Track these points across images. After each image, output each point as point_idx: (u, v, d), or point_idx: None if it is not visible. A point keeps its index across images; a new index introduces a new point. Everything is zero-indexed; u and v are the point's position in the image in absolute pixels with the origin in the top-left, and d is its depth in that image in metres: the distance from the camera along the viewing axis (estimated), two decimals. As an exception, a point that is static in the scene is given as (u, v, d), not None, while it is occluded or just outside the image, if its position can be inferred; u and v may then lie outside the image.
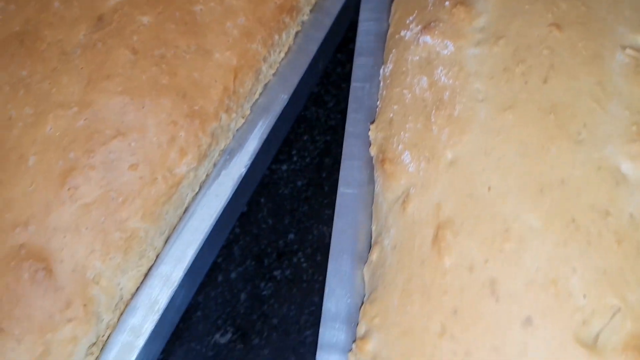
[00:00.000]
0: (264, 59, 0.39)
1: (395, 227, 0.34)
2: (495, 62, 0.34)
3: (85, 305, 0.33)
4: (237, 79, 0.38)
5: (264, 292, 0.47)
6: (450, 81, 0.35)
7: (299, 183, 0.51)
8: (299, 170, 0.51)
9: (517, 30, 0.35)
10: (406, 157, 0.35)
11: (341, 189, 0.39)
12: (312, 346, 0.45)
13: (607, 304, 0.27)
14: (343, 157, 0.40)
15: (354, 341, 0.34)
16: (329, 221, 0.49)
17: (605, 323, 0.27)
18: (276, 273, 0.48)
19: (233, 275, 0.48)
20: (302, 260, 0.48)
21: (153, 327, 0.35)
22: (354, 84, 0.42)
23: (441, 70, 0.35)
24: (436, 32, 0.37)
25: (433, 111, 0.35)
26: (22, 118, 0.34)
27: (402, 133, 0.36)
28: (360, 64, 0.42)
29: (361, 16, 0.44)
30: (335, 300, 0.36)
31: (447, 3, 0.38)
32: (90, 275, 0.33)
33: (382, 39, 0.43)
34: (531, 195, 0.30)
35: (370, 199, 0.39)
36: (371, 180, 0.39)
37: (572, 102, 0.31)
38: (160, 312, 0.35)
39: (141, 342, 0.35)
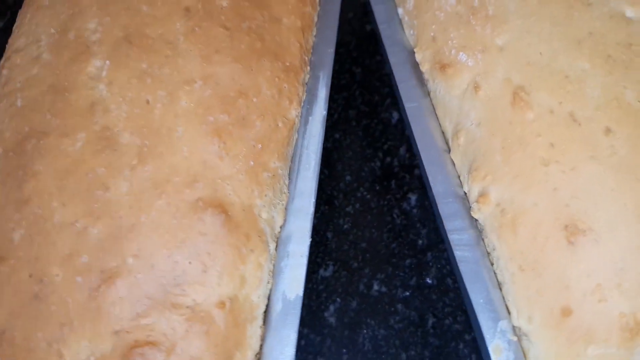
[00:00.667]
0: (314, 18, 0.48)
1: (473, 110, 0.43)
2: None
3: (259, 236, 0.39)
4: (304, 37, 0.46)
5: (345, 226, 0.55)
6: None
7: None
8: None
9: None
10: (462, 56, 0.44)
11: (407, 104, 0.47)
12: (401, 255, 0.53)
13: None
14: (397, 81, 0.49)
15: (473, 202, 0.42)
16: (374, 157, 0.58)
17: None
18: (348, 209, 0.56)
19: (315, 221, 0.54)
20: (365, 193, 0.56)
21: (307, 251, 0.42)
22: (381, 26, 0.51)
23: None
24: None
25: (470, 17, 0.44)
26: (158, 100, 0.39)
27: (449, 42, 0.45)
28: (378, 9, 0.51)
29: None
30: (441, 182, 0.44)
31: None
32: (256, 211, 0.40)
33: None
34: (573, 48, 0.40)
35: (431, 108, 0.48)
36: (426, 95, 0.48)
37: None
38: (309, 237, 0.42)
39: (304, 260, 0.41)
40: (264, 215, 0.40)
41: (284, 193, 0.42)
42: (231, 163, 0.39)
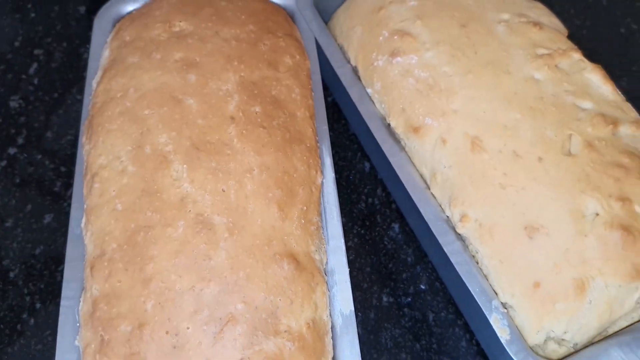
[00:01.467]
0: (314, 107, 0.64)
1: (444, 157, 0.60)
2: (445, 54, 0.63)
3: (319, 272, 0.54)
4: (313, 123, 0.62)
5: (350, 257, 0.71)
6: (427, 74, 0.63)
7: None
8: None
9: (444, 36, 0.64)
10: (428, 120, 0.61)
11: (390, 158, 0.64)
12: (398, 271, 0.70)
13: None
14: (379, 142, 0.65)
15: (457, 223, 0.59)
16: (359, 200, 0.75)
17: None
18: (349, 244, 0.72)
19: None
20: (359, 229, 0.73)
21: (349, 277, 0.57)
22: (357, 102, 0.68)
23: (418, 71, 0.63)
24: (401, 53, 0.65)
25: (429, 92, 0.62)
26: (231, 187, 0.54)
27: (416, 111, 0.62)
28: (352, 90, 0.69)
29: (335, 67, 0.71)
30: (429, 210, 0.61)
31: (395, 37, 0.66)
32: (312, 255, 0.55)
33: (354, 73, 0.70)
34: (506, 105, 0.59)
35: (408, 159, 0.65)
36: (402, 150, 0.65)
37: (494, 56, 0.62)
38: (347, 268, 0.58)
39: (349, 285, 0.57)
40: (317, 257, 0.55)
41: (323, 238, 0.58)
42: (290, 223, 0.54)
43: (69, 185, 0.69)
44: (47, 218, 0.71)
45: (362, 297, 0.68)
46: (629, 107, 0.61)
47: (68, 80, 0.82)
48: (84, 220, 0.56)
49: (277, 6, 0.72)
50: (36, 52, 0.85)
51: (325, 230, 0.59)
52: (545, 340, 0.55)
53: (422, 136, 0.62)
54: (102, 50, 0.67)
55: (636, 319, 0.56)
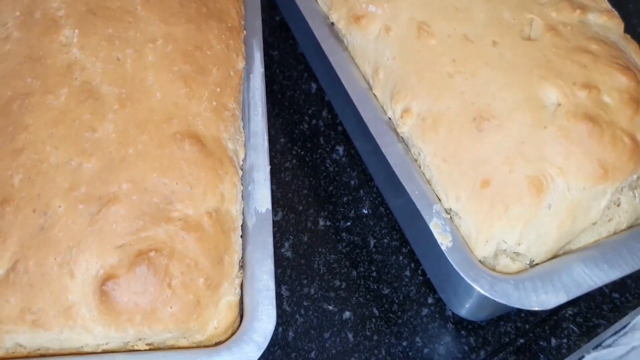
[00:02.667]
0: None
1: (387, 48, 0.53)
2: None
3: (230, 161, 0.47)
4: (239, 5, 0.54)
5: (287, 179, 0.63)
6: None
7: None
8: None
9: None
10: (371, 8, 0.54)
11: (330, 57, 0.57)
12: (338, 195, 0.62)
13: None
14: (319, 39, 0.58)
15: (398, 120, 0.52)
16: (301, 120, 0.67)
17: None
18: (287, 164, 0.64)
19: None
20: (299, 150, 0.65)
21: (269, 176, 0.49)
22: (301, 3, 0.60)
23: None
24: None
25: None
26: (128, 56, 0.46)
27: (359, 0, 0.56)
28: None
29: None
30: (368, 111, 0.53)
31: None
32: (224, 142, 0.47)
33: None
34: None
35: (350, 59, 0.57)
36: (344, 50, 0.58)
37: None
38: (268, 165, 0.50)
39: (268, 183, 0.49)
40: (230, 146, 0.47)
41: (241, 132, 0.50)
42: (198, 103, 0.46)
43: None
44: None
45: (296, 220, 0.60)
46: (600, -1, 0.54)
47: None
48: (-43, 93, 0.48)
49: None
50: None
51: (247, 126, 0.51)
52: (496, 254, 0.47)
53: (364, 26, 0.55)
54: None
55: (604, 235, 0.48)
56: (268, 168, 0.49)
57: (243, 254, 0.46)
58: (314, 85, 0.70)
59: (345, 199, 0.62)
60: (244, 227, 0.47)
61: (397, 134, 0.52)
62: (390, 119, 0.53)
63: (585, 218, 0.46)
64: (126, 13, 0.48)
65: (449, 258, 0.46)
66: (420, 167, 0.51)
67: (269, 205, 0.47)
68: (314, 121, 0.67)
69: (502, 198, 0.46)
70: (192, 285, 0.41)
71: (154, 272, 0.40)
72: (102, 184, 0.42)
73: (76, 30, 0.47)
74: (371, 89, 0.55)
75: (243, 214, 0.47)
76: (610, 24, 0.51)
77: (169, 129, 0.45)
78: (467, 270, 0.45)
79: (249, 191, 0.48)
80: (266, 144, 0.51)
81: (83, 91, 0.44)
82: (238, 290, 0.44)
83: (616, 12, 0.53)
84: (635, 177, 0.47)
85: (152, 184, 0.42)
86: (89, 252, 0.40)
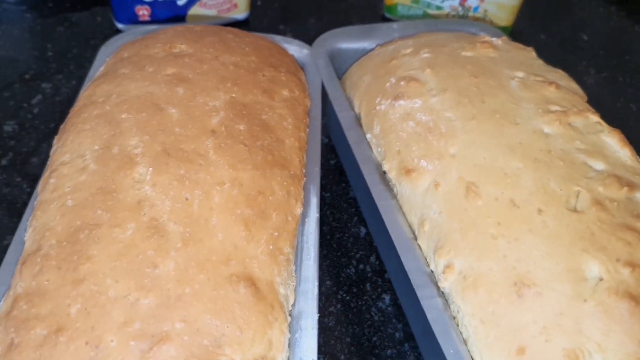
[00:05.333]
0: (307, 142, 0.59)
1: (435, 202, 0.54)
2: (450, 100, 0.59)
3: (280, 307, 0.47)
4: (301, 155, 0.57)
5: (330, 324, 0.62)
6: (429, 117, 0.58)
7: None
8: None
9: (452, 84, 0.61)
10: (423, 163, 0.56)
11: (379, 203, 0.58)
12: (382, 347, 0.61)
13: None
14: (369, 185, 0.60)
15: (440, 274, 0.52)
16: (348, 264, 0.67)
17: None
18: (331, 309, 0.63)
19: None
20: (344, 295, 0.65)
21: (317, 325, 0.49)
22: (353, 145, 0.63)
23: (420, 115, 0.59)
24: (405, 97, 0.61)
25: (427, 135, 0.57)
26: (196, 197, 0.48)
27: (411, 153, 0.58)
28: (350, 134, 0.64)
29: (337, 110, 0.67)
30: (411, 261, 0.53)
31: (402, 82, 0.63)
32: (276, 287, 0.47)
33: (356, 120, 0.66)
34: (508, 153, 0.53)
35: (398, 207, 0.59)
36: (394, 197, 0.59)
37: (503, 106, 0.58)
38: (316, 313, 0.49)
39: (315, 332, 0.48)
40: (282, 291, 0.48)
41: (293, 276, 0.50)
42: (256, 246, 0.48)
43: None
44: (8, 239, 0.65)
45: (334, 371, 0.58)
46: (651, 177, 0.54)
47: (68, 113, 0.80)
48: (30, 217, 0.50)
49: (286, 51, 0.70)
50: (44, 85, 0.84)
51: (298, 271, 0.52)
52: None
53: (414, 180, 0.57)
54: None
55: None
56: (316, 317, 0.49)
57: (286, 406, 0.44)
58: (363, 230, 0.71)
59: (389, 352, 0.60)
60: (288, 377, 0.46)
61: (437, 287, 0.52)
62: (432, 271, 0.53)
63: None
64: (198, 156, 0.51)
65: None
66: (457, 326, 0.50)
67: (315, 357, 0.46)
68: (361, 266, 0.67)
69: None
70: None
71: (196, 421, 0.39)
72: (156, 321, 0.42)
73: (150, 169, 0.49)
74: (416, 239, 0.56)
75: (289, 362, 0.46)
76: (659, 202, 0.51)
77: (226, 270, 0.45)
78: None
79: (296, 339, 0.48)
80: (316, 290, 0.51)
81: (150, 227, 0.46)
82: None
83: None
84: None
85: (205, 325, 0.42)
86: (134, 392, 0.40)
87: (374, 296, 0.65)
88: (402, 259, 0.53)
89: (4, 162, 0.74)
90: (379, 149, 0.62)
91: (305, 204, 0.56)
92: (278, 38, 0.73)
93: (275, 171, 0.53)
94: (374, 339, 0.61)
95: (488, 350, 0.47)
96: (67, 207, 0.48)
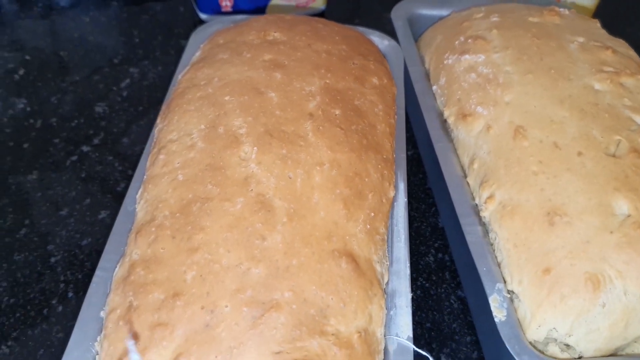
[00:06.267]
0: (395, 128, 0.61)
1: (485, 144, 0.58)
2: (511, 56, 0.63)
3: (378, 284, 0.48)
4: (392, 140, 0.59)
5: (412, 307, 0.63)
6: (490, 70, 0.63)
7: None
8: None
9: (515, 43, 0.65)
10: (479, 109, 0.61)
11: (435, 144, 0.62)
12: (462, 333, 0.61)
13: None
14: (429, 129, 0.63)
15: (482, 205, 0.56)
16: (427, 252, 0.69)
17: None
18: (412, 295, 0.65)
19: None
20: (424, 282, 0.66)
21: (411, 303, 0.50)
22: (420, 97, 0.68)
23: (482, 68, 0.64)
24: (471, 52, 0.66)
25: (486, 85, 0.62)
26: (298, 176, 0.50)
27: (470, 101, 0.62)
28: (418, 87, 0.69)
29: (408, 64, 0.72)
30: (458, 195, 0.58)
31: (469, 40, 0.67)
32: (374, 264, 0.49)
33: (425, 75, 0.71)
34: (557, 104, 0.58)
35: (454, 149, 0.63)
36: (450, 141, 0.64)
37: (559, 64, 0.61)
38: (410, 292, 0.51)
39: (410, 310, 0.50)
40: (378, 269, 0.49)
41: (387, 256, 0.52)
42: (355, 225, 0.49)
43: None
44: (103, 214, 0.69)
45: (418, 354, 0.60)
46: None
47: (156, 97, 0.83)
48: (140, 190, 0.53)
49: (371, 41, 0.72)
50: (131, 70, 0.88)
51: (390, 252, 0.53)
52: (547, 341, 0.49)
53: (469, 123, 0.61)
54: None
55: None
56: (410, 295, 0.51)
57: (384, 378, 0.46)
58: (440, 221, 0.72)
59: (468, 338, 0.61)
60: (385, 351, 0.47)
61: (479, 218, 0.56)
62: (477, 205, 0.57)
63: (639, 325, 0.47)
64: (299, 137, 0.53)
65: (500, 332, 0.48)
66: (494, 251, 0.54)
67: (410, 333, 0.48)
68: (440, 255, 0.69)
69: (560, 288, 0.48)
70: (339, 402, 0.42)
71: (307, 383, 0.41)
72: (266, 289, 0.44)
73: (255, 148, 0.52)
74: (465, 177, 0.60)
75: (385, 337, 0.48)
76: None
77: (328, 245, 0.47)
78: (513, 344, 0.47)
79: (391, 316, 0.49)
80: (408, 271, 0.52)
81: (257, 202, 0.48)
82: (376, 414, 0.44)
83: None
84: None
85: (311, 296, 0.45)
86: (248, 355, 0.42)
87: (453, 285, 0.66)
88: (450, 192, 0.58)
89: (96, 141, 0.78)
90: (442, 99, 0.67)
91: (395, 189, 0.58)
92: (361, 29, 0.75)
93: (370, 154, 0.54)
94: (454, 325, 0.62)
95: (518, 270, 0.51)
96: (179, 181, 0.50)
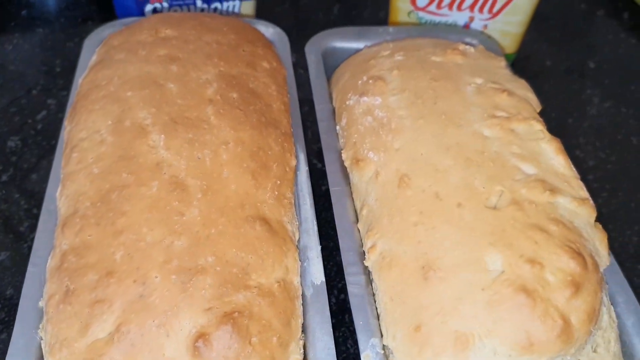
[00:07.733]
0: (290, 105, 0.68)
1: (373, 191, 0.58)
2: (406, 100, 0.61)
3: (291, 240, 0.55)
4: (288, 117, 0.65)
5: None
6: (385, 114, 0.61)
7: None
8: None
9: (412, 85, 0.63)
10: (370, 154, 0.60)
11: (332, 188, 0.62)
12: None
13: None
14: (328, 172, 0.64)
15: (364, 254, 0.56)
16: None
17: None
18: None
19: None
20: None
21: (320, 254, 0.57)
22: (322, 136, 0.67)
23: (378, 111, 0.62)
24: (369, 94, 0.64)
25: (379, 130, 0.60)
26: (206, 156, 0.55)
27: (364, 146, 0.61)
28: (322, 126, 0.69)
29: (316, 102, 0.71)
30: (347, 242, 0.58)
31: (370, 81, 0.66)
32: (285, 225, 0.56)
33: (332, 113, 0.71)
34: (443, 152, 0.56)
35: (350, 192, 0.63)
36: (348, 184, 0.63)
37: (452, 109, 0.60)
38: (318, 245, 0.58)
39: (320, 260, 0.57)
40: (289, 228, 0.56)
41: (295, 217, 0.59)
42: (264, 192, 0.56)
43: (34, 228, 0.60)
44: (2, 255, 0.68)
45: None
46: (579, 185, 0.55)
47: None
48: (59, 188, 0.57)
49: (256, 28, 0.78)
50: (49, 101, 0.86)
51: (298, 214, 0.60)
52: None
53: (361, 168, 0.60)
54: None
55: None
56: (319, 247, 0.58)
57: (304, 319, 0.53)
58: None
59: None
60: (303, 297, 0.54)
61: (363, 266, 0.56)
62: (364, 252, 0.57)
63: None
64: (202, 122, 0.58)
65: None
66: (375, 302, 0.54)
67: (323, 278, 0.55)
68: (341, 295, 0.68)
69: (430, 346, 0.48)
70: (268, 343, 0.48)
71: (238, 331, 0.47)
72: (190, 257, 0.50)
73: (162, 135, 0.56)
74: (357, 223, 0.60)
75: (302, 285, 0.55)
76: (581, 210, 0.53)
77: (242, 213, 0.53)
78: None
79: (304, 267, 0.56)
80: (315, 228, 0.59)
81: (171, 183, 0.53)
82: (302, 350, 0.51)
83: (591, 202, 0.54)
84: (567, 357, 0.48)
85: (232, 257, 0.50)
86: (182, 315, 0.47)
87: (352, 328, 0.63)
88: (339, 237, 0.58)
89: (4, 177, 0.77)
90: (342, 140, 0.66)
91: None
92: (247, 19, 0.81)
93: (270, 130, 0.61)
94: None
95: (393, 325, 0.50)
96: (95, 174, 0.54)
